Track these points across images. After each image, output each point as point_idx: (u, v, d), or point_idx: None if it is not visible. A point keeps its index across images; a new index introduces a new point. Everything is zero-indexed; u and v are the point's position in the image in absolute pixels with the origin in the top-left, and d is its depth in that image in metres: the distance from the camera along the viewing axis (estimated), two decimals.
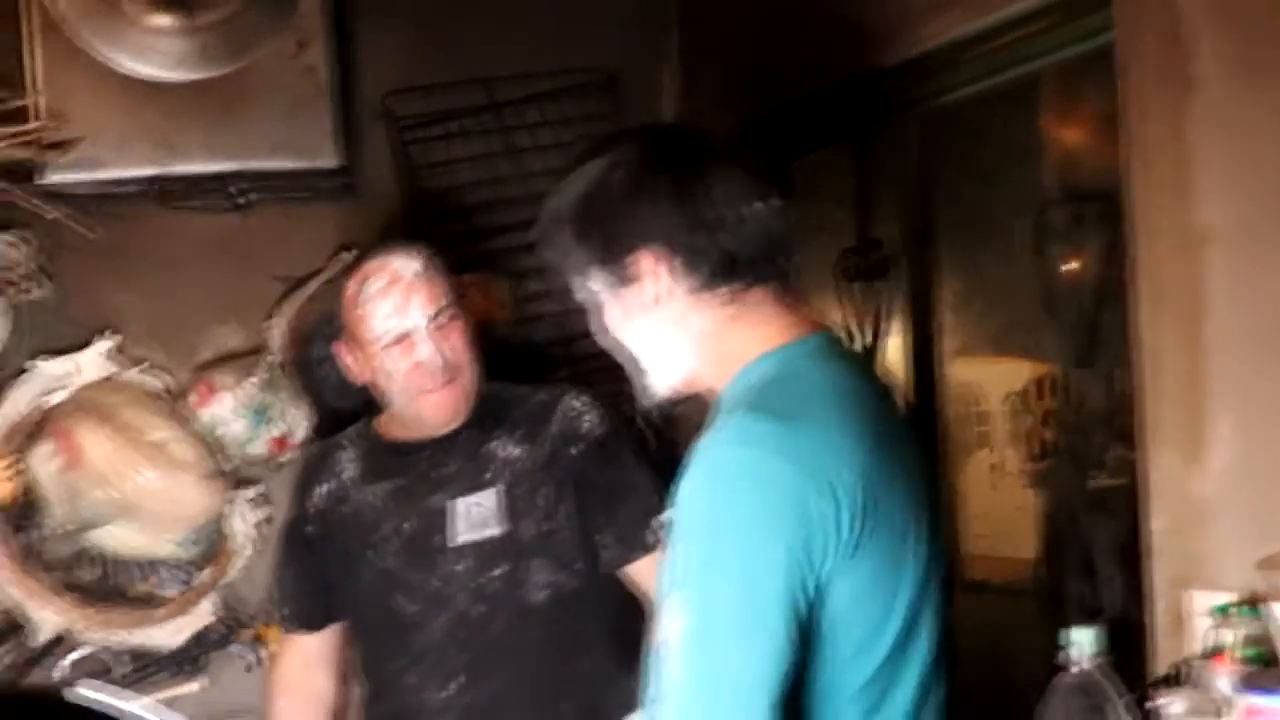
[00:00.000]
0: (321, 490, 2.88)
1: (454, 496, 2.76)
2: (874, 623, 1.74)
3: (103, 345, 3.54)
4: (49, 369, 3.48)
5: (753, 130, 3.72)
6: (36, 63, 3.42)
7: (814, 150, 3.67)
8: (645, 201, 1.84)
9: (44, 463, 3.40)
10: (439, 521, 2.76)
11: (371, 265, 2.74)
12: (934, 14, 3.05)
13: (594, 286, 1.88)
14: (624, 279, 1.86)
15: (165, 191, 3.55)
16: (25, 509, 3.45)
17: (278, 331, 3.62)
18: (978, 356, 3.45)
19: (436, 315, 2.72)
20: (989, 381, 3.39)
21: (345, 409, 3.08)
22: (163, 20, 3.45)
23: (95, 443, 3.41)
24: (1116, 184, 2.66)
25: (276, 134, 3.52)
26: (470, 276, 3.63)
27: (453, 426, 2.78)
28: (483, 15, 3.85)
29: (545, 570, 2.74)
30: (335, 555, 2.86)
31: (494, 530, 2.74)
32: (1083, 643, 1.95)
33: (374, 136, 3.76)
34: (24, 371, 3.50)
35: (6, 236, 3.47)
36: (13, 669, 3.39)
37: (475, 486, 2.76)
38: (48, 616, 3.38)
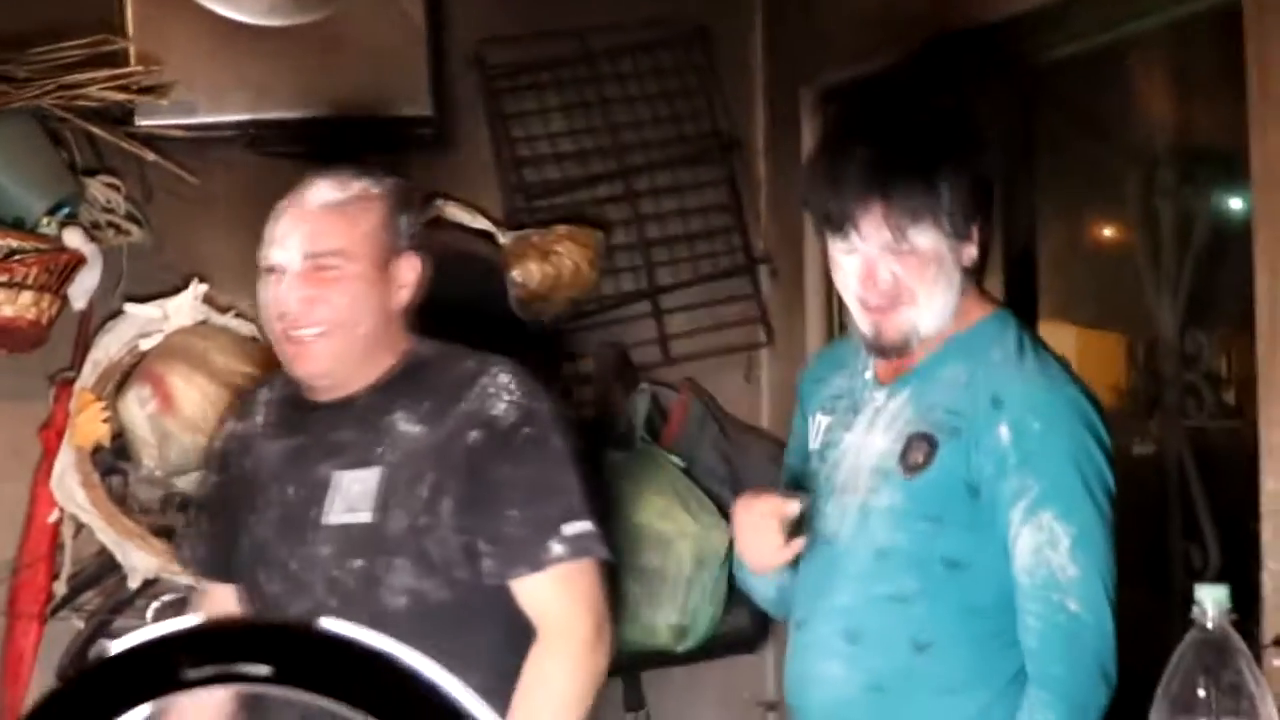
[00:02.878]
0: (234, 429, 2.63)
1: (340, 468, 2.42)
2: None
3: (194, 291, 3.53)
4: (141, 313, 3.48)
5: (848, 86, 3.70)
6: (132, 7, 3.42)
7: (911, 102, 3.63)
8: (996, 179, 2.27)
9: (136, 407, 3.39)
10: (319, 494, 2.42)
11: (297, 189, 2.46)
12: None
13: (931, 234, 2.19)
14: (960, 235, 2.22)
15: (257, 137, 3.54)
16: (117, 453, 3.45)
17: None
18: (1077, 314, 3.41)
19: (319, 256, 2.38)
20: (1089, 342, 3.36)
21: None
22: None
23: (187, 388, 3.40)
24: (1231, 143, 2.64)
25: (369, 81, 3.51)
26: (563, 227, 3.63)
27: (355, 388, 2.46)
28: None
29: (406, 573, 2.36)
30: (225, 509, 2.61)
31: (363, 515, 2.37)
32: (1213, 600, 1.93)
33: (466, 84, 3.74)
34: (117, 315, 3.50)
35: (105, 178, 3.46)
36: (104, 612, 3.42)
37: (363, 461, 2.41)
38: (141, 560, 3.39)
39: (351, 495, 2.39)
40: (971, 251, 2.26)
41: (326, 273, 2.39)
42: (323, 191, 2.42)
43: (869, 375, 2.36)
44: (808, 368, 2.67)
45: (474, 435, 2.39)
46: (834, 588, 2.29)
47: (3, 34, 3.37)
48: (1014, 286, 3.27)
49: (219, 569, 2.62)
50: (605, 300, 3.78)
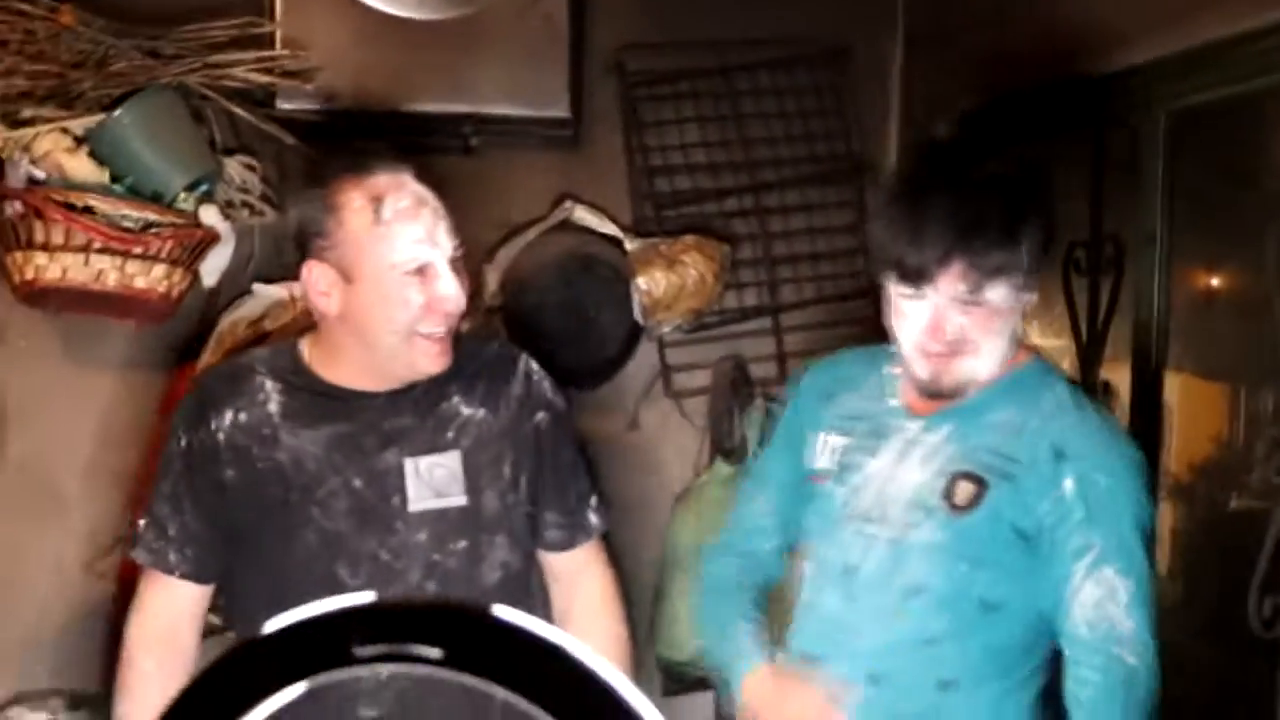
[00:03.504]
0: (236, 419, 2.48)
1: (410, 455, 2.45)
2: None
3: None
4: (269, 294, 3.51)
5: (981, 115, 3.68)
6: None
7: (1047, 139, 3.60)
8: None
9: None
10: (395, 482, 2.44)
11: (382, 182, 2.39)
12: (1190, 15, 2.98)
13: (1004, 289, 2.23)
14: (1030, 288, 2.29)
15: (398, 128, 3.56)
16: None
17: (493, 277, 3.63)
18: (1205, 366, 3.37)
19: (456, 249, 2.43)
20: (1219, 395, 3.32)
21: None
22: None
23: None
24: None
25: (510, 79, 3.54)
26: (690, 237, 3.63)
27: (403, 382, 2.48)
28: None
29: (504, 549, 2.49)
30: (257, 507, 2.48)
31: (457, 499, 2.45)
32: None
33: (602, 89, 3.75)
34: (245, 294, 3.54)
35: (243, 158, 3.51)
36: None
37: (434, 447, 2.46)
38: None
39: (436, 480, 2.44)
40: (1033, 300, 2.33)
41: (459, 267, 2.44)
42: (420, 187, 2.42)
43: (896, 403, 2.39)
44: (806, 379, 2.57)
45: (541, 416, 2.55)
46: (856, 627, 2.31)
47: (152, 11, 3.43)
48: (1140, 330, 3.24)
49: (211, 570, 2.54)
50: (727, 314, 3.78)
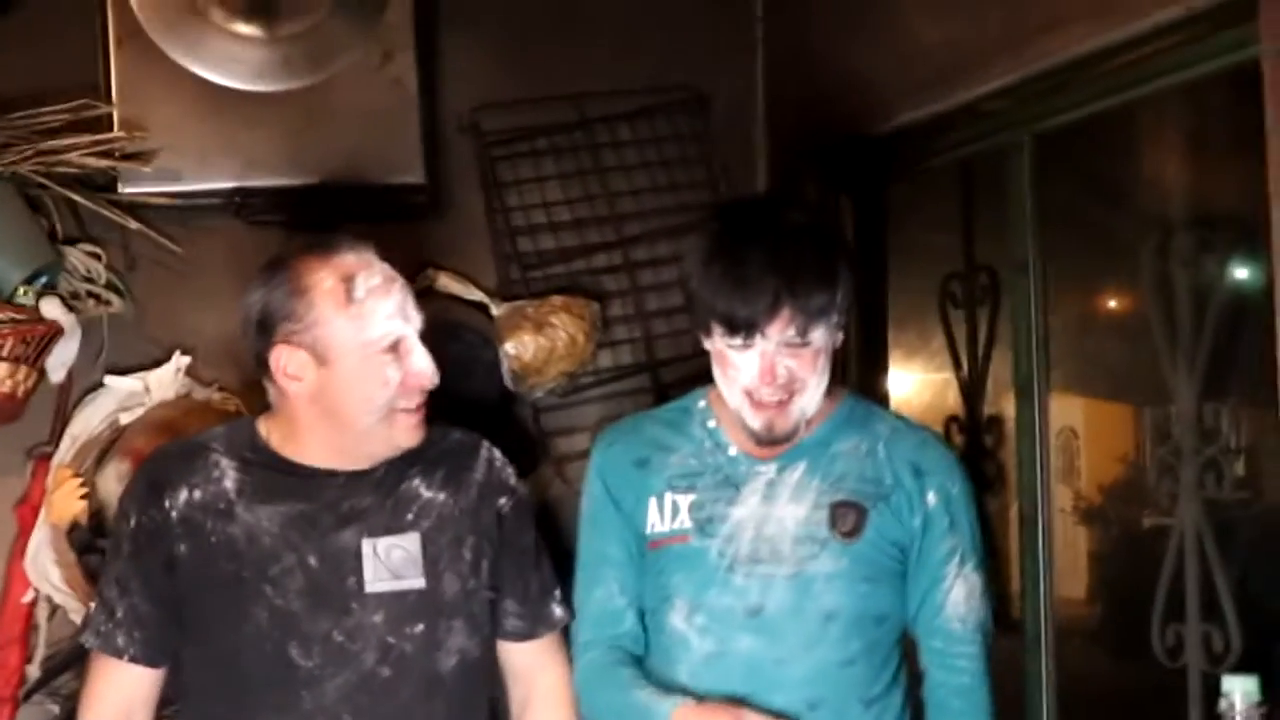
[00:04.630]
0: (191, 496, 2.43)
1: (368, 535, 2.42)
2: None
3: (176, 363, 3.43)
4: (122, 386, 3.38)
5: (841, 154, 3.63)
6: (117, 71, 3.34)
7: (913, 175, 3.56)
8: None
9: (114, 483, 3.28)
10: (351, 563, 2.41)
11: (349, 260, 2.38)
12: (1046, 32, 2.94)
13: (824, 330, 2.38)
14: (842, 325, 2.44)
15: (244, 205, 3.44)
16: (95, 530, 3.32)
17: None
18: (1088, 387, 3.33)
19: (423, 322, 2.45)
20: (1097, 414, 3.28)
21: None
22: (245, 29, 3.38)
23: None
24: (1246, 208, 2.56)
25: (360, 148, 3.43)
26: (558, 298, 3.54)
27: (366, 463, 2.46)
28: (569, 30, 3.77)
29: (462, 634, 2.47)
30: (208, 583, 2.42)
31: (415, 581, 2.42)
32: (1243, 693, 1.84)
33: (460, 151, 3.65)
34: (97, 387, 3.40)
35: (86, 246, 3.37)
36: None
37: (394, 528, 2.44)
38: None
39: (394, 562, 2.42)
40: (840, 337, 2.48)
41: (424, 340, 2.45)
42: (383, 264, 2.42)
43: (735, 452, 2.53)
44: (603, 456, 2.61)
45: (503, 502, 2.54)
46: (783, 659, 2.42)
47: None
48: (1021, 357, 3.19)
49: (161, 653, 2.48)
50: (603, 373, 3.68)
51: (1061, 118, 3.07)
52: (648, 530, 2.53)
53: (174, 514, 2.43)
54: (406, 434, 2.43)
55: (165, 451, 2.62)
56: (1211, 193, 2.91)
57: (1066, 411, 3.24)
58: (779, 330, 2.35)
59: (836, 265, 2.41)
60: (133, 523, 2.46)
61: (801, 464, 2.48)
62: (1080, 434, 3.27)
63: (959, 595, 2.49)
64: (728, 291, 2.36)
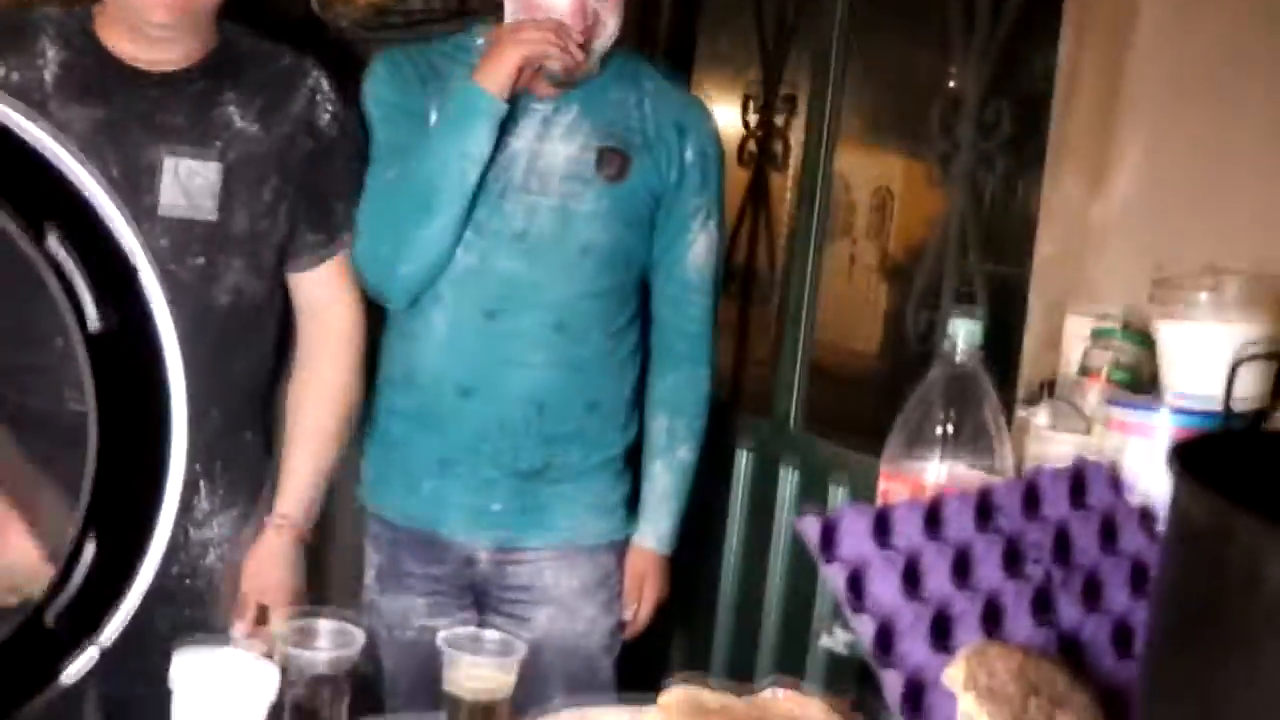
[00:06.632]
0: (9, 77, 2.27)
1: (171, 154, 2.30)
2: None
3: None
4: None
5: None
6: None
7: None
8: None
9: None
10: (147, 182, 2.28)
11: None
12: None
13: None
14: None
15: None
16: None
17: None
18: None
19: None
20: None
21: None
22: None
23: None
24: None
25: None
26: None
27: (181, 63, 2.31)
28: None
29: (241, 273, 2.37)
30: None
31: (207, 214, 2.32)
32: (966, 333, 1.90)
33: None
34: None
35: None
36: None
37: (197, 153, 2.31)
38: None
39: (192, 188, 2.31)
40: None
41: None
42: None
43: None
44: (381, 79, 2.52)
45: (308, 144, 2.39)
46: (538, 283, 2.50)
47: None
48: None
49: None
50: (414, 15, 3.63)
51: None
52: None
53: None
54: (150, 6, 2.22)
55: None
56: None
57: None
58: None
59: None
60: None
61: (575, 107, 2.51)
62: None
63: (701, 247, 2.60)
64: None
